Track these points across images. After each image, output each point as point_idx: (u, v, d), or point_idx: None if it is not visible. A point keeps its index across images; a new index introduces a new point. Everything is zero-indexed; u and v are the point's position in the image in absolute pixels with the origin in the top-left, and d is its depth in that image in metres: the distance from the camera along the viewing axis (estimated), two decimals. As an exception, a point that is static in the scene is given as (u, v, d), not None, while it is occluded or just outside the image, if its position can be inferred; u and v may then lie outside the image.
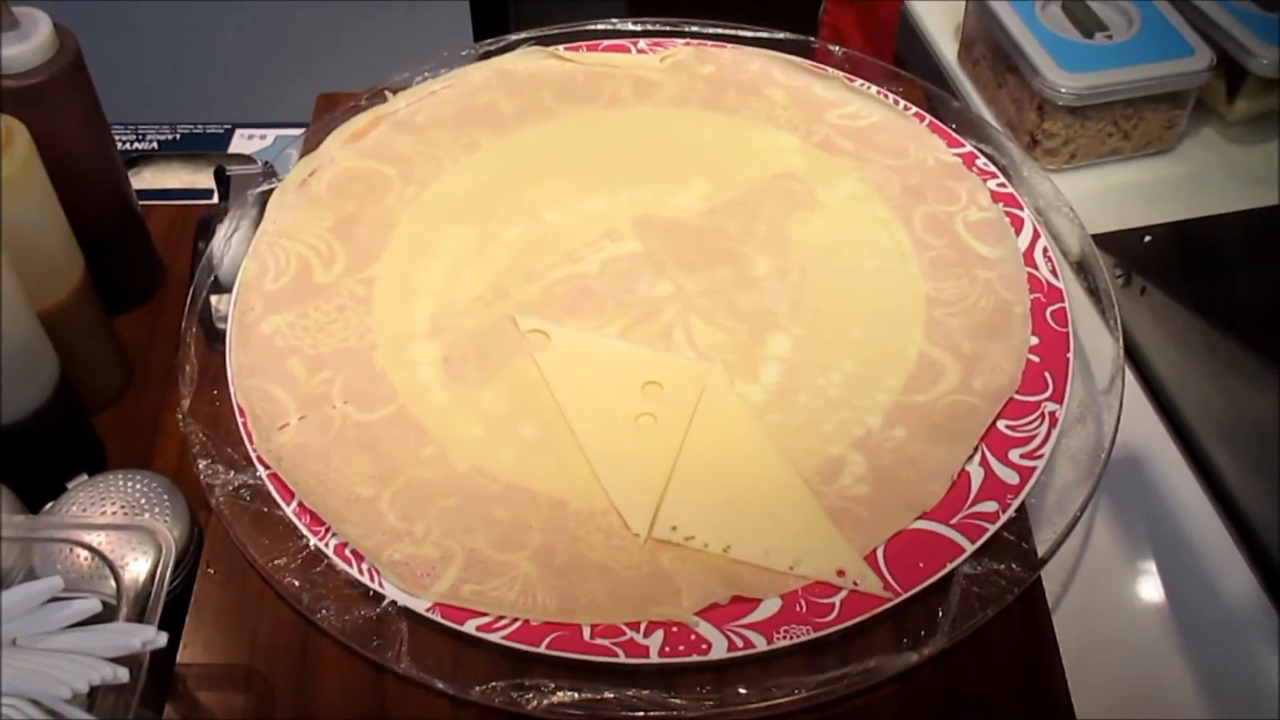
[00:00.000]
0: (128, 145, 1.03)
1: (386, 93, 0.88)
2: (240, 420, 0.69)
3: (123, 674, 0.52)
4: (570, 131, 0.86)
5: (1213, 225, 0.91)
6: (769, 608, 0.61)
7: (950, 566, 0.62)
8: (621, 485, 0.66)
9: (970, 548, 0.63)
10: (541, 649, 0.60)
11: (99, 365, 0.81)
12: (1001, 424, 0.68)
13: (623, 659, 0.60)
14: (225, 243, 0.80)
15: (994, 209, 0.79)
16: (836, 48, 0.91)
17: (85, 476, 0.69)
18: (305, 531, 0.65)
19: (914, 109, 0.87)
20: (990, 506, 0.65)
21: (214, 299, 0.77)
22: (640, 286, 0.76)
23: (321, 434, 0.69)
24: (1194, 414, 0.77)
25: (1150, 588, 0.72)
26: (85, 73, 0.78)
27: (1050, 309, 0.74)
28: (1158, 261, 0.87)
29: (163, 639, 0.53)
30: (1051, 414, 0.68)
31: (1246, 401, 0.74)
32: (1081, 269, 0.80)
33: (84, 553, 0.62)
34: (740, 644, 0.60)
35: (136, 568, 0.60)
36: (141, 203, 0.89)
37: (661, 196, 0.81)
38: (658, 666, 0.60)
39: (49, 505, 0.68)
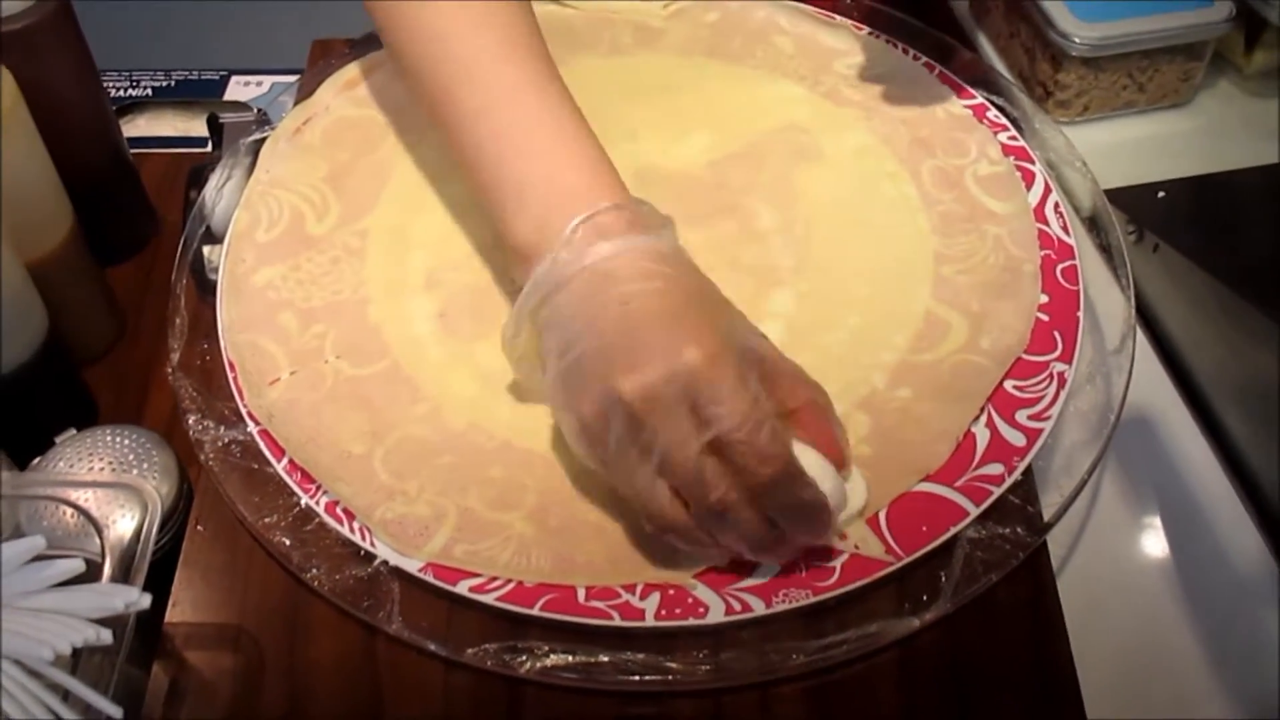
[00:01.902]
0: (122, 92, 1.01)
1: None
2: (231, 375, 0.68)
3: (106, 635, 0.51)
4: (569, 80, 0.83)
5: (1229, 181, 0.89)
6: (768, 571, 0.60)
7: (954, 530, 0.61)
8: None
9: (975, 511, 0.62)
10: (535, 611, 0.59)
11: (90, 317, 0.80)
12: (1009, 384, 0.67)
13: (618, 622, 0.59)
14: (217, 192, 0.78)
15: (1005, 163, 0.78)
16: (845, -6, 0.89)
17: (73, 431, 0.68)
18: (296, 489, 0.64)
19: (924, 58, 0.84)
20: (996, 469, 0.63)
21: (206, 250, 0.76)
22: (641, 240, 0.74)
23: (313, 389, 0.67)
24: (1206, 375, 0.76)
25: (1157, 552, 0.71)
26: (73, 18, 0.76)
27: (1061, 266, 0.72)
28: (1171, 218, 0.85)
29: (146, 600, 0.52)
30: (1060, 374, 0.67)
31: (1260, 363, 0.73)
32: (1093, 225, 0.78)
33: (69, 511, 0.61)
34: (739, 608, 0.59)
35: (123, 526, 0.59)
36: (134, 151, 0.88)
37: (664, 148, 0.79)
38: (654, 630, 0.59)
39: (36, 460, 0.67)
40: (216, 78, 1.03)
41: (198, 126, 0.98)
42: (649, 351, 0.54)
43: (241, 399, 0.67)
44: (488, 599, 0.59)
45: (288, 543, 0.62)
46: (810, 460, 0.57)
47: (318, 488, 0.63)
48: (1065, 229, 0.74)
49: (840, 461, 0.59)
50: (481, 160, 0.63)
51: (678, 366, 0.53)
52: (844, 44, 0.86)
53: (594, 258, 0.57)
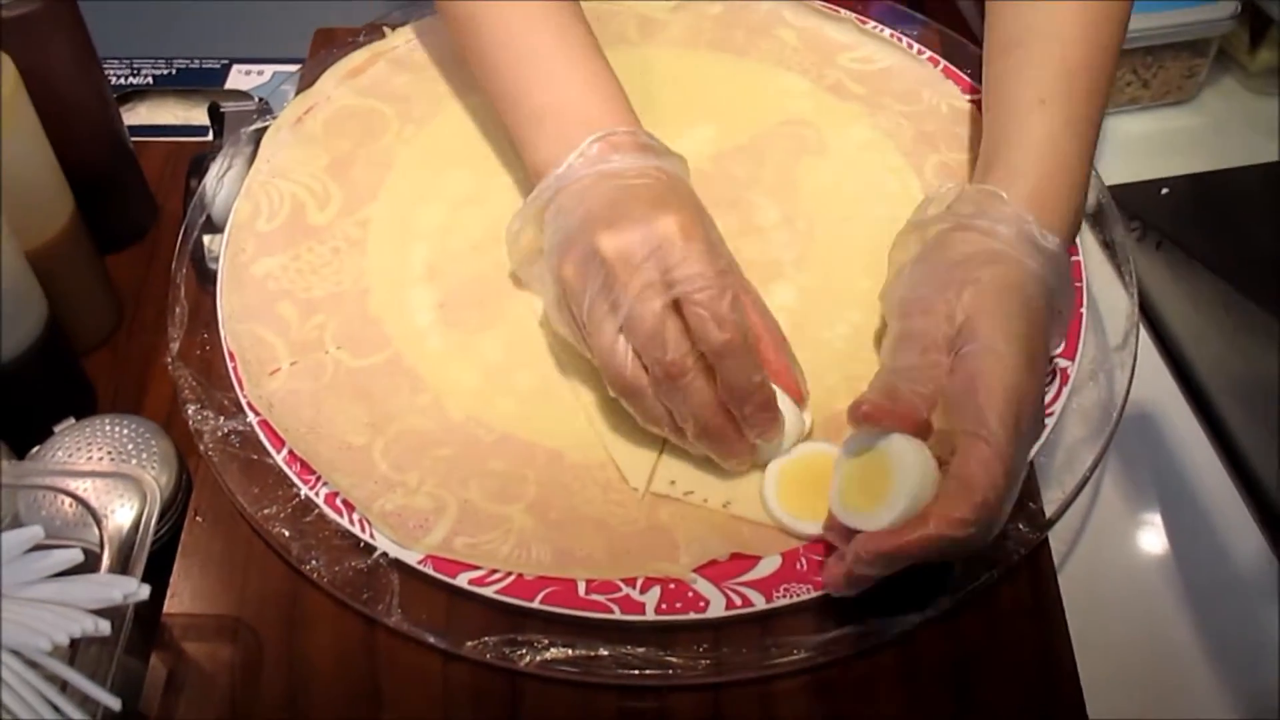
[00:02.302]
0: (122, 80, 1.00)
1: (385, 29, 0.86)
2: (230, 365, 0.68)
3: (104, 626, 0.50)
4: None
5: (1232, 178, 0.89)
6: (769, 565, 0.60)
7: (955, 526, 0.61)
8: (620, 438, 0.65)
9: (977, 507, 0.61)
10: (535, 604, 0.59)
11: (90, 306, 0.79)
12: (1011, 380, 0.66)
13: (618, 616, 0.58)
14: (218, 181, 0.78)
15: (1008, 158, 0.77)
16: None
17: (72, 421, 0.67)
18: (296, 480, 0.63)
19: (928, 53, 0.84)
20: (998, 465, 0.63)
21: (206, 239, 0.76)
22: (643, 233, 0.74)
23: (313, 380, 0.67)
24: (1208, 373, 0.76)
25: (1158, 548, 0.70)
26: (74, 5, 0.75)
27: (1064, 262, 0.72)
28: (1174, 215, 0.85)
29: (145, 591, 0.52)
30: (1063, 370, 0.67)
31: (1263, 361, 0.73)
32: (1097, 221, 0.78)
33: (68, 500, 0.61)
34: (739, 602, 0.59)
35: (121, 516, 0.58)
36: (135, 139, 0.87)
37: (667, 140, 0.77)
38: (654, 624, 0.59)
39: (35, 449, 0.66)
40: (218, 66, 1.02)
41: (199, 115, 0.97)
42: (629, 217, 0.60)
43: (241, 389, 0.67)
44: (488, 592, 0.59)
45: (287, 534, 0.62)
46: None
47: (317, 479, 0.63)
48: (1069, 225, 0.74)
49: (796, 395, 0.63)
50: (506, 88, 0.69)
51: (652, 229, 0.59)
52: (848, 38, 0.86)
53: (603, 166, 0.63)
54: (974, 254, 0.60)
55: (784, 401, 0.62)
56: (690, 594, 0.59)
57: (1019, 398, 0.55)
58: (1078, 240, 0.73)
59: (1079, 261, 0.72)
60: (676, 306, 0.58)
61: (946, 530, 0.53)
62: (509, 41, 0.69)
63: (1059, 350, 0.67)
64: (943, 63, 0.83)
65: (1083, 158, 0.65)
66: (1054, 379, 0.66)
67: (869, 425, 0.57)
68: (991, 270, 0.59)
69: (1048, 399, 0.65)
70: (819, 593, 0.59)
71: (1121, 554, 0.70)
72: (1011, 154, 0.65)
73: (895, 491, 0.55)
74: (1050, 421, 0.65)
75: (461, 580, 0.59)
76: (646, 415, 0.61)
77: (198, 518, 0.65)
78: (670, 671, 0.58)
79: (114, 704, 0.50)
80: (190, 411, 0.67)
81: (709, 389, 0.59)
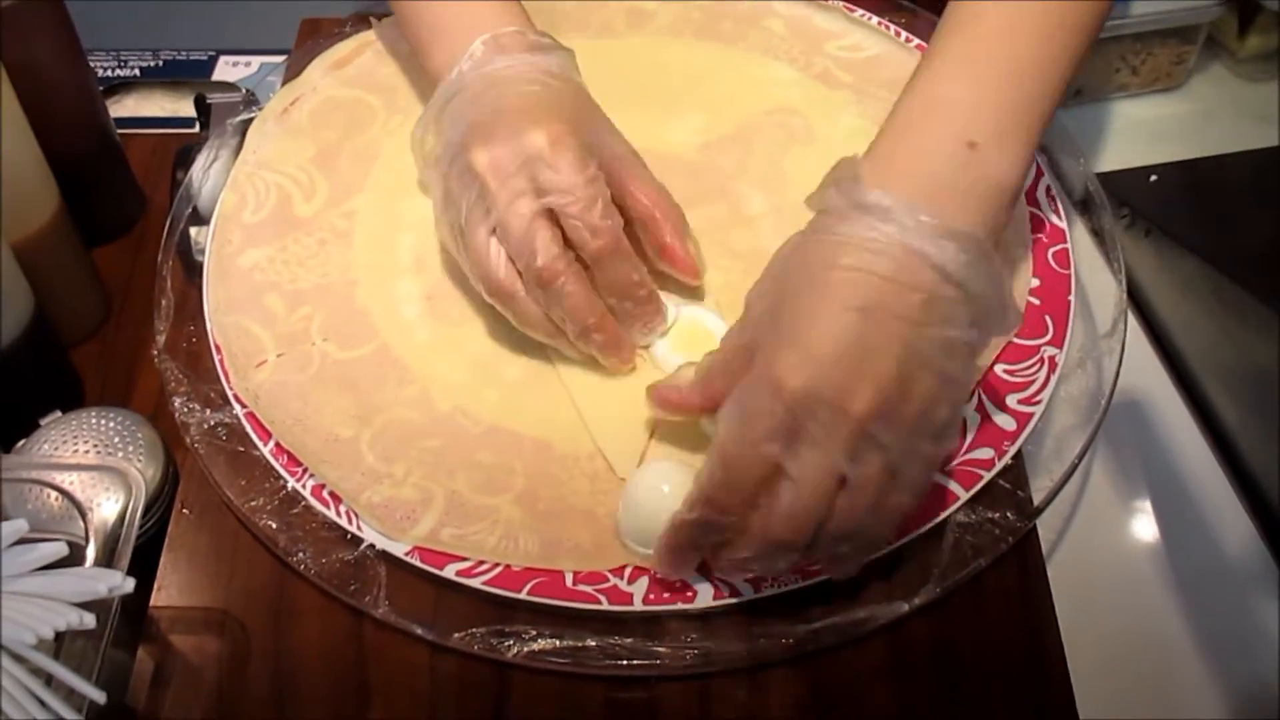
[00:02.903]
0: (109, 72, 1.00)
1: (371, 19, 0.85)
2: (217, 357, 0.68)
3: (90, 619, 0.50)
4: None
5: (1221, 165, 0.89)
6: (757, 556, 0.60)
7: (943, 515, 0.61)
8: (607, 429, 0.65)
9: (964, 495, 0.62)
10: (523, 595, 0.59)
11: (77, 298, 0.79)
12: (999, 368, 0.67)
13: (606, 606, 0.58)
14: (204, 173, 0.78)
15: (996, 146, 0.77)
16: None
17: (59, 413, 0.67)
18: (282, 472, 0.63)
19: (916, 41, 0.84)
20: (986, 453, 0.63)
21: (193, 231, 0.76)
22: (631, 223, 0.73)
23: (300, 372, 0.67)
24: (1197, 360, 0.76)
25: (1148, 537, 0.70)
26: (58, -5, 0.75)
27: (1052, 250, 0.72)
28: (1163, 202, 0.85)
29: (130, 584, 0.52)
30: (1051, 359, 0.67)
31: (1251, 348, 0.73)
32: (1085, 209, 0.78)
33: (54, 494, 0.61)
34: (727, 592, 0.59)
35: (107, 509, 0.58)
36: (121, 131, 0.87)
37: (654, 130, 0.78)
38: (642, 614, 0.59)
39: (21, 443, 0.66)
40: (205, 58, 1.02)
41: (185, 107, 0.97)
42: (503, 131, 0.62)
43: (228, 381, 0.67)
44: (475, 583, 0.59)
45: (274, 526, 0.62)
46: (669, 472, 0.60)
47: (304, 471, 0.63)
48: (1057, 212, 0.74)
49: (690, 273, 0.67)
50: (409, 4, 0.71)
51: (523, 143, 0.61)
52: (836, 26, 0.85)
53: (491, 68, 0.65)
54: (801, 232, 0.58)
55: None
56: (678, 584, 0.59)
57: (765, 388, 0.52)
58: (1065, 226, 0.73)
59: (1066, 249, 0.72)
60: (551, 215, 0.61)
61: (679, 513, 0.55)
62: None
63: (996, 339, 0.66)
64: (931, 51, 0.83)
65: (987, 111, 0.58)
66: (1042, 367, 0.66)
67: (661, 410, 0.61)
68: (806, 250, 0.56)
69: (1036, 387, 0.65)
70: (807, 582, 0.59)
71: (1110, 542, 0.70)
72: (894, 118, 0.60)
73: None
74: (1038, 409, 0.65)
75: (449, 571, 0.59)
76: (522, 318, 0.64)
77: (184, 510, 0.65)
78: (658, 662, 0.58)
79: (99, 697, 0.50)
80: (177, 404, 0.66)
81: (583, 290, 0.62)
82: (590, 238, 0.61)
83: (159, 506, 0.66)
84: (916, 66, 0.62)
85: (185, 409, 0.66)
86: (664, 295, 0.68)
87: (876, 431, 0.52)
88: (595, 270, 0.62)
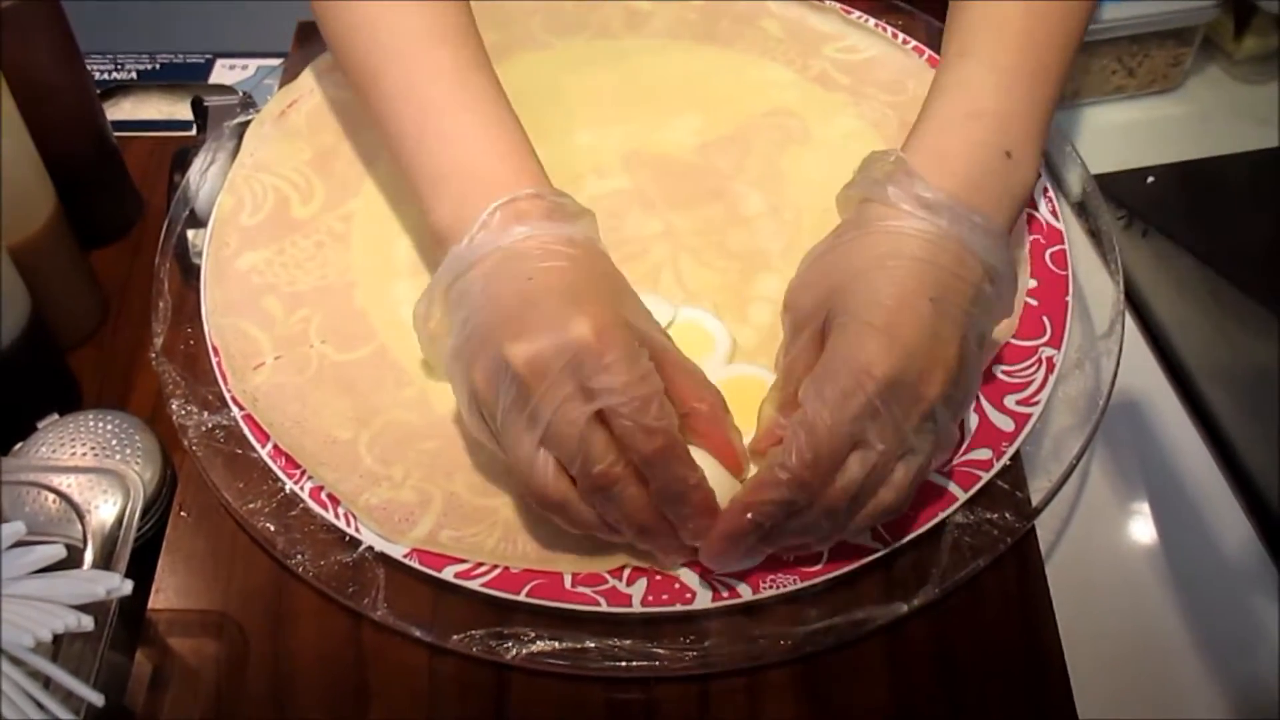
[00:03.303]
0: (106, 75, 1.00)
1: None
2: (215, 359, 0.68)
3: (87, 622, 0.50)
4: (558, 63, 0.83)
5: (1218, 166, 0.89)
6: (755, 556, 0.60)
7: (942, 516, 0.61)
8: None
9: (963, 496, 0.62)
10: (522, 597, 0.58)
11: (74, 302, 0.79)
12: (998, 369, 0.66)
13: (605, 608, 0.58)
14: (201, 176, 0.77)
15: (994, 147, 0.77)
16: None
17: (56, 416, 0.67)
18: (280, 474, 0.63)
19: (913, 43, 0.84)
20: (984, 454, 0.63)
21: (190, 233, 0.75)
22: (628, 225, 0.73)
23: (298, 374, 0.67)
24: (1195, 361, 0.76)
25: (1146, 537, 0.70)
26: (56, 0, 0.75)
27: (1050, 251, 0.72)
28: (1160, 203, 0.85)
29: (128, 586, 0.52)
30: (1049, 359, 0.67)
31: (1249, 349, 0.73)
32: (1082, 210, 0.78)
33: (52, 496, 0.61)
34: (725, 593, 0.59)
35: (105, 512, 0.58)
36: (119, 134, 0.87)
37: (651, 131, 0.79)
38: (640, 616, 0.59)
39: (18, 446, 0.66)
40: (202, 61, 1.02)
41: (183, 110, 0.97)
42: (540, 322, 0.55)
43: (225, 384, 0.66)
44: (474, 585, 0.59)
45: (272, 528, 0.62)
46: (703, 462, 0.57)
47: (302, 473, 0.63)
48: (1054, 214, 0.74)
49: (736, 467, 0.59)
50: (404, 144, 0.63)
51: (567, 337, 0.54)
52: (833, 28, 0.86)
53: (508, 240, 0.57)
54: (852, 224, 0.60)
55: (721, 475, 0.59)
56: (677, 585, 0.59)
57: (857, 369, 0.54)
58: (1062, 228, 0.73)
59: (1064, 250, 0.72)
60: (602, 416, 0.54)
61: (755, 495, 0.55)
62: (408, 93, 0.64)
63: (1003, 329, 0.66)
64: (928, 52, 0.83)
65: (1018, 119, 0.62)
66: (1040, 368, 0.66)
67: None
68: (867, 240, 0.58)
69: (1034, 388, 0.65)
70: (805, 583, 0.59)
71: (1109, 542, 0.70)
72: (931, 113, 0.63)
73: None
74: (1036, 410, 0.65)
75: (447, 573, 0.59)
76: (575, 523, 0.57)
77: (182, 513, 0.65)
78: (657, 663, 0.58)
79: (97, 699, 0.50)
80: (175, 406, 0.66)
81: (641, 492, 0.56)
82: (645, 439, 0.54)
83: (157, 509, 0.65)
84: (944, 61, 0.65)
85: (183, 411, 0.66)
86: (659, 297, 0.68)
87: (938, 412, 0.55)
88: (648, 474, 0.55)
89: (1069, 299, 0.70)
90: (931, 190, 0.58)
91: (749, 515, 0.55)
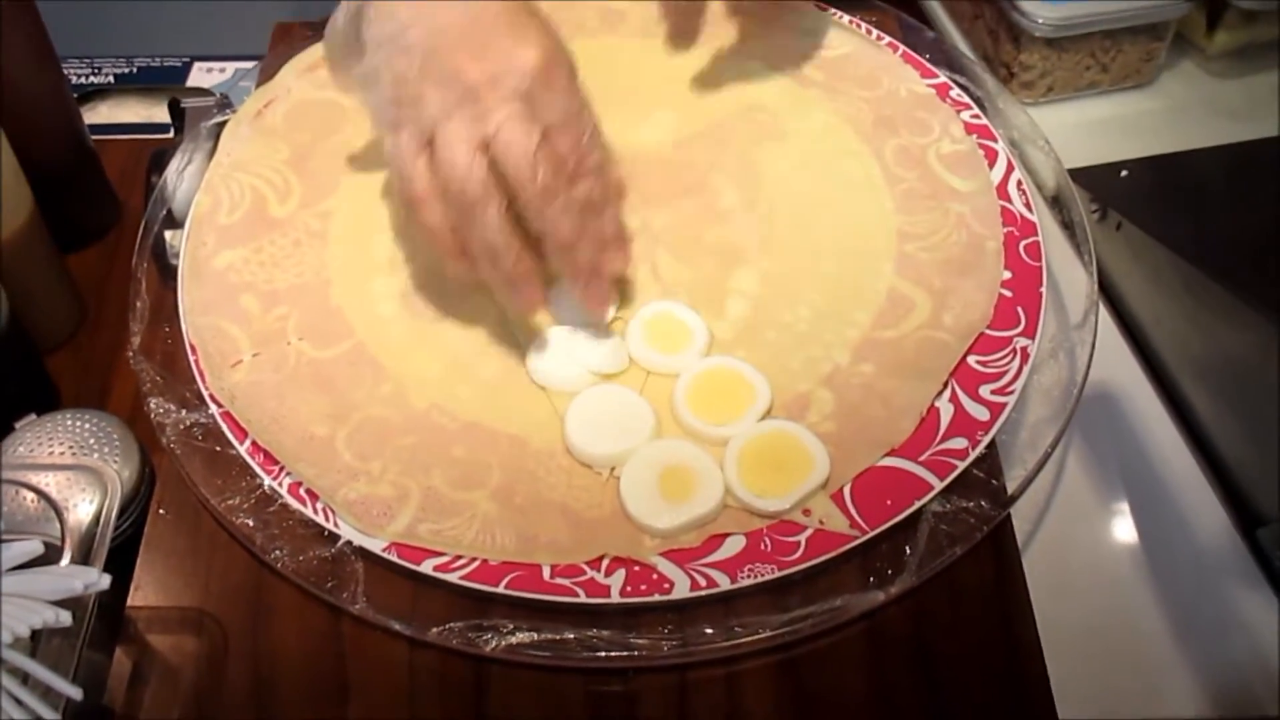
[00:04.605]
0: (84, 79, 1.00)
1: (345, 22, 0.85)
2: (192, 358, 0.67)
3: (65, 617, 0.50)
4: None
5: (1190, 160, 0.90)
6: (733, 546, 0.60)
7: (918, 504, 0.61)
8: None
9: (939, 485, 0.62)
10: (500, 589, 0.59)
11: (51, 304, 0.79)
12: (972, 359, 0.67)
13: (583, 599, 0.58)
14: (178, 176, 0.77)
15: (967, 141, 0.78)
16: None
17: (34, 416, 0.67)
18: (259, 471, 0.63)
19: (887, 39, 0.84)
20: (960, 443, 0.63)
21: (168, 234, 0.75)
22: (605, 221, 0.74)
23: (276, 371, 0.67)
24: (1168, 351, 0.76)
25: (1122, 526, 0.71)
26: (32, 4, 0.75)
27: (1024, 243, 0.72)
28: (1134, 196, 0.86)
29: (106, 581, 0.52)
30: (1023, 349, 0.67)
31: (1222, 339, 0.73)
32: (1056, 203, 0.78)
33: (30, 494, 0.61)
34: (704, 583, 0.59)
35: (83, 509, 0.58)
36: (96, 138, 0.87)
37: (627, 128, 0.79)
38: (619, 606, 0.59)
39: (-5, 446, 0.66)
40: (179, 64, 1.02)
41: (160, 113, 0.97)
42: (494, 45, 0.60)
43: (203, 381, 0.66)
44: (452, 578, 0.59)
45: (251, 524, 0.62)
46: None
47: (280, 469, 0.63)
48: (1028, 206, 0.74)
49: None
50: None
51: (519, 62, 0.60)
52: (808, 24, 0.86)
53: None
54: None
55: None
56: (655, 576, 0.59)
57: None
58: (1036, 220, 0.73)
59: (1038, 242, 0.72)
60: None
61: None
62: None
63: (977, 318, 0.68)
64: (901, 48, 0.84)
65: None
66: (1015, 358, 0.67)
67: None
68: None
69: (1009, 378, 0.66)
70: (783, 572, 0.59)
71: (1085, 532, 0.71)
72: None
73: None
74: (1011, 399, 0.65)
75: (426, 567, 0.59)
76: (433, 226, 0.62)
77: (161, 510, 0.65)
78: (636, 653, 0.58)
79: (76, 694, 0.50)
80: (153, 405, 0.66)
81: (569, 221, 0.61)
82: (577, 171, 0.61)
83: (135, 507, 0.65)
84: None
85: (161, 410, 0.66)
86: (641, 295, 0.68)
87: None
88: (572, 187, 0.61)
89: (1043, 290, 0.70)
90: None
91: None
